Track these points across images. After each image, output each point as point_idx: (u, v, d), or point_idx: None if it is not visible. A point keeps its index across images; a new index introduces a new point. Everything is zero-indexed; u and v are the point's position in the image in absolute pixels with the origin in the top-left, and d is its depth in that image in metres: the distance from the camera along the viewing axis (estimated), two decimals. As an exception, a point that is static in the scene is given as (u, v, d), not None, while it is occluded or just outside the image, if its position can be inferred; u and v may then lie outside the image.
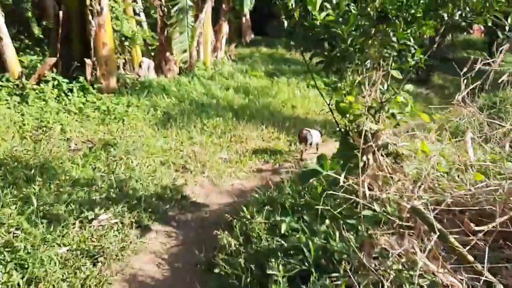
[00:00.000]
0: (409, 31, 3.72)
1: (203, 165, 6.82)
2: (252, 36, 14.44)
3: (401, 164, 3.81)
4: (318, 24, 3.54)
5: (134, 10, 11.86)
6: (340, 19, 3.52)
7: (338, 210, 3.37)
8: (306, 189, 4.76)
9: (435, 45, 4.78)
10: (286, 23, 3.84)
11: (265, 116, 9.86)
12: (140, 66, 11.34)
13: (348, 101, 3.78)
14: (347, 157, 3.74)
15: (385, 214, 3.19)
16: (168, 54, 11.62)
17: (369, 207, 3.20)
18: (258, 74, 14.74)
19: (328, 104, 4.42)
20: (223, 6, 13.32)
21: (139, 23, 11.92)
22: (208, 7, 12.27)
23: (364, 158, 3.69)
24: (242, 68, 15.58)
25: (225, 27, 13.75)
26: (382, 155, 3.72)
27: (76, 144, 7.02)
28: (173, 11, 10.68)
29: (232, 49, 16.90)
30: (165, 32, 11.41)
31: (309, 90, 13.74)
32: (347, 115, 3.87)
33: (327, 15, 3.46)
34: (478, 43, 31.10)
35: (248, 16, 13.92)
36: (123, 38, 10.53)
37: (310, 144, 7.78)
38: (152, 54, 12.34)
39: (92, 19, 8.85)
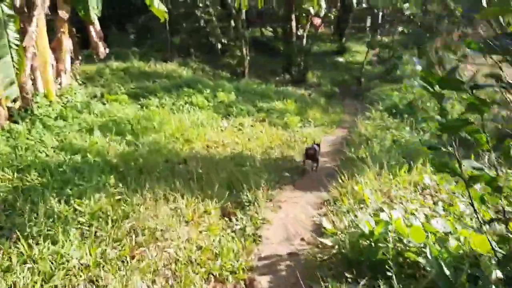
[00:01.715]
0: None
1: None
2: (107, 50, 10.85)
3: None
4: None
5: None
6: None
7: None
8: None
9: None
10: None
11: (162, 169, 6.75)
12: None
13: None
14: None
15: None
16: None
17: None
18: (119, 97, 11.26)
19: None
20: (60, 13, 9.48)
21: None
22: (40, 16, 8.37)
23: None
24: (95, 92, 11.86)
25: (66, 42, 9.91)
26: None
27: None
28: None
29: (77, 68, 12.91)
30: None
31: (190, 110, 10.96)
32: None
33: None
34: (325, 37, 32.13)
35: (98, 25, 10.30)
36: None
37: (317, 160, 7.71)
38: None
39: None
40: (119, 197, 5.38)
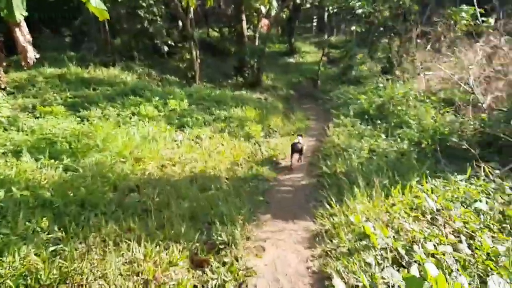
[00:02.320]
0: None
1: None
2: (37, 55, 9.25)
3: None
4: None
5: None
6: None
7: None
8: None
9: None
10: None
11: (109, 200, 5.49)
12: None
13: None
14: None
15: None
16: None
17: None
18: (54, 109, 9.71)
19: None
20: (-25, 11, 7.85)
21: None
22: None
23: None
24: (25, 103, 10.25)
25: (-15, 46, 8.31)
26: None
27: None
28: None
29: (1, 76, 11.18)
30: None
31: (138, 121, 9.65)
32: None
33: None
34: (274, 37, 31.62)
35: (25, 27, 8.70)
36: None
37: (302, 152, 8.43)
38: None
39: None
40: (54, 247, 4.12)
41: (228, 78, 19.07)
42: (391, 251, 3.62)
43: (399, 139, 7.97)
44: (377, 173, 5.89)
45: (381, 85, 12.64)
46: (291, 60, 26.79)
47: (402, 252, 3.51)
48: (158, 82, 15.49)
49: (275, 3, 18.17)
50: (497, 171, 5.50)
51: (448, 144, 7.29)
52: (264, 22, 23.35)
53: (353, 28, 18.54)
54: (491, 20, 16.54)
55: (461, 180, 5.27)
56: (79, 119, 9.42)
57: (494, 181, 5.22)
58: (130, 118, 9.85)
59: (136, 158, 7.43)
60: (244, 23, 18.91)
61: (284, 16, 19.80)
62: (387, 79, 13.50)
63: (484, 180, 5.25)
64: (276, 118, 12.01)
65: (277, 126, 11.37)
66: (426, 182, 5.34)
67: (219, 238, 4.44)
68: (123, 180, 6.29)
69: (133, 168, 6.99)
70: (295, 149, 8.22)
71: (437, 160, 6.73)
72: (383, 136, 8.33)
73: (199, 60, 15.58)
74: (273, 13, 19.36)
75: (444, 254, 3.38)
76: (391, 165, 6.44)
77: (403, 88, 10.56)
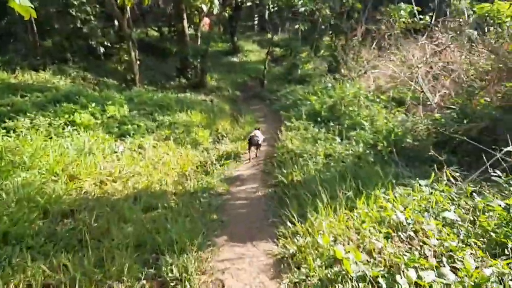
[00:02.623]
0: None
1: None
2: None
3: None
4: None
5: None
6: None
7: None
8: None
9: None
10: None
11: (38, 230, 4.71)
12: None
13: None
14: None
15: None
16: None
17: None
18: (-28, 121, 8.62)
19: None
20: None
21: None
22: None
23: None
24: None
25: None
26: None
27: None
28: None
29: None
30: None
31: (73, 132, 8.72)
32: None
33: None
34: (216, 36, 31.00)
35: None
36: None
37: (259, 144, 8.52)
38: None
39: None
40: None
41: (170, 79, 18.27)
42: (370, 283, 3.25)
43: (354, 142, 7.71)
44: (338, 182, 5.55)
45: (329, 84, 12.45)
46: (235, 59, 26.35)
47: (383, 284, 3.14)
48: (94, 86, 14.41)
49: (216, 1, 17.62)
50: (466, 177, 5.35)
51: (403, 145, 7.16)
52: (206, 21, 22.71)
53: (297, 26, 18.36)
54: (428, 18, 17.07)
55: (425, 185, 5.05)
56: (4, 131, 8.35)
57: (456, 185, 5.07)
58: (64, 128, 8.88)
59: (70, 176, 6.60)
60: (185, 22, 18.19)
61: (226, 14, 19.27)
62: (334, 78, 13.42)
63: (446, 184, 5.08)
64: (224, 122, 11.50)
65: (226, 130, 10.86)
66: (391, 190, 5.06)
67: (169, 274, 3.85)
68: (55, 204, 5.48)
69: (66, 187, 6.16)
70: (253, 142, 8.38)
71: (395, 163, 6.54)
72: (338, 139, 8.04)
73: (138, 62, 14.69)
74: (215, 11, 18.79)
75: (431, 286, 3.05)
76: (350, 171, 6.13)
77: (353, 88, 10.38)
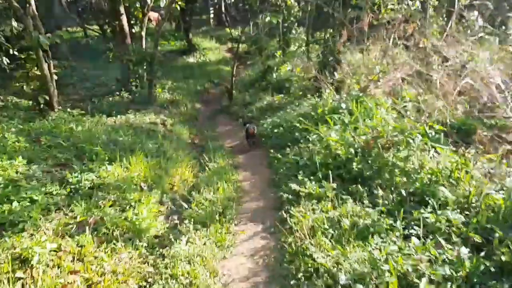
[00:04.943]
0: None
1: None
2: None
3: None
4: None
5: None
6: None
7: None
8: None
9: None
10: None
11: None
12: None
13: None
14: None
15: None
16: None
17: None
18: None
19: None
20: None
21: None
22: None
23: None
24: None
25: None
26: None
27: None
28: None
29: None
30: None
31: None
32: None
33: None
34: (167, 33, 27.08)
35: None
36: None
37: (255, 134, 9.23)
38: None
39: None
40: None
41: (110, 93, 13.96)
42: None
43: (439, 237, 3.97)
44: None
45: (343, 105, 8.41)
46: (192, 59, 22.21)
47: None
48: (-3, 112, 10.04)
49: (164, -8, 13.55)
50: None
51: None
52: (153, 15, 18.55)
53: (268, 19, 14.45)
54: (418, 3, 14.15)
55: None
56: None
57: None
58: None
59: None
60: (124, 17, 13.90)
61: (178, 7, 15.14)
62: (336, 89, 9.69)
63: None
64: (184, 168, 7.46)
65: (187, 185, 6.87)
66: None
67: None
68: None
69: None
70: (249, 132, 9.26)
71: None
72: (399, 227, 4.20)
73: (55, 77, 10.31)
74: (162, 4, 14.65)
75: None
76: None
77: (379, 108, 6.57)
